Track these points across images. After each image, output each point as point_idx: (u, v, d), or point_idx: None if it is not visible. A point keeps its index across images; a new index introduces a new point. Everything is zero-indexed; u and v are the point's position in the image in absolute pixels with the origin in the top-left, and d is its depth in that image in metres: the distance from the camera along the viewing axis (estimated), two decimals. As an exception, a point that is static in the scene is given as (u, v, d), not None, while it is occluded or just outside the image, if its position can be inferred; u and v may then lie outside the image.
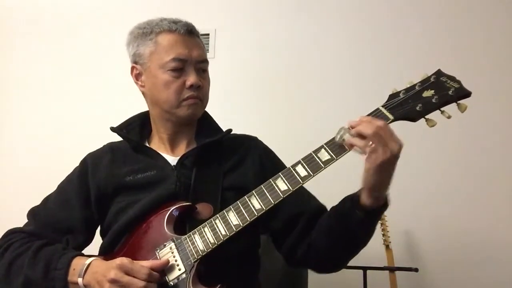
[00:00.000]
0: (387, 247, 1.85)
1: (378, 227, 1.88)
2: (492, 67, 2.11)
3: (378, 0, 2.30)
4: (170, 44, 1.15)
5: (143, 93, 1.25)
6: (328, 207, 1.16)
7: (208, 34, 2.40)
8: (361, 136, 0.91)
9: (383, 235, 1.87)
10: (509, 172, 2.03)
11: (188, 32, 1.18)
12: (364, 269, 1.77)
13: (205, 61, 1.21)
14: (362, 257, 1.83)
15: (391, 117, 0.95)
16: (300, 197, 1.17)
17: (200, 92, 1.18)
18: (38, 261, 1.05)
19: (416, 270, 1.76)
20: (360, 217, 0.99)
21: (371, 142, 0.89)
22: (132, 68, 1.23)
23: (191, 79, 1.14)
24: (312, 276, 1.67)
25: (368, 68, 2.22)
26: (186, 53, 1.15)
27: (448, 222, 2.03)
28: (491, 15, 2.16)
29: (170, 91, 1.15)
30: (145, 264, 0.97)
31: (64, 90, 2.53)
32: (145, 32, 1.18)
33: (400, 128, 2.07)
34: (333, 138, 0.97)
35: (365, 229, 1.04)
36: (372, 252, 1.92)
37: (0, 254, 1.11)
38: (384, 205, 1.01)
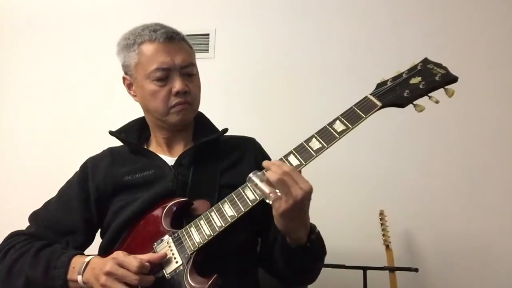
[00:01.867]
0: (387, 247, 1.84)
1: (378, 227, 1.89)
2: (493, 67, 2.12)
3: (379, 1, 2.31)
4: (152, 54, 1.15)
5: (137, 101, 1.27)
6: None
7: (208, 34, 2.40)
8: (269, 182, 0.91)
9: (383, 235, 1.87)
10: (510, 173, 2.03)
11: (168, 39, 1.16)
12: (364, 269, 1.77)
13: (191, 65, 1.20)
14: (362, 257, 1.85)
15: (379, 103, 0.96)
16: None
17: (188, 97, 1.19)
18: (39, 261, 1.06)
19: (416, 270, 1.75)
20: (289, 253, 1.02)
21: (277, 190, 0.89)
22: (123, 78, 1.26)
23: (176, 85, 1.15)
24: (312, 276, 1.67)
25: (369, 67, 2.21)
26: (168, 61, 1.15)
27: (448, 222, 2.02)
28: (492, 14, 2.17)
29: (157, 100, 1.17)
30: (143, 258, 0.97)
31: (64, 92, 2.54)
32: (129, 44, 1.19)
33: (400, 128, 2.09)
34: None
35: (300, 261, 1.04)
36: (372, 252, 1.93)
37: (1, 256, 1.13)
38: (310, 241, 1.00)
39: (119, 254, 0.97)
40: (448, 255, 1.99)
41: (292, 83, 2.31)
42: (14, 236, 1.17)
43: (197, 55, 2.39)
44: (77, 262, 1.04)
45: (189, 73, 1.19)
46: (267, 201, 0.92)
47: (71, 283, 1.02)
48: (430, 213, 2.04)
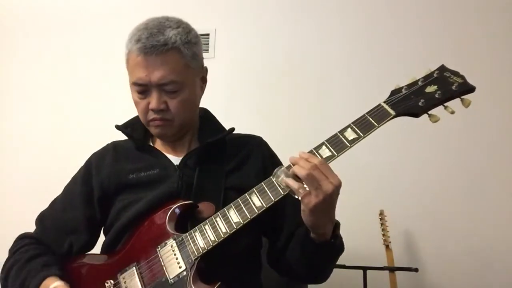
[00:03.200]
0: (387, 247, 1.85)
1: (378, 227, 1.89)
2: (494, 67, 2.11)
3: (379, 0, 2.30)
4: (132, 67, 1.11)
5: None
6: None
7: (208, 34, 2.41)
8: (297, 176, 0.90)
9: (383, 235, 1.87)
10: (510, 173, 2.03)
11: (145, 54, 1.07)
12: (364, 269, 1.78)
13: (171, 83, 1.10)
14: (362, 257, 1.85)
15: (392, 112, 0.94)
16: (291, 212, 1.16)
17: (167, 114, 1.13)
18: (20, 274, 1.10)
19: (416, 270, 1.76)
20: (311, 249, 1.01)
21: (305, 184, 0.88)
22: None
23: (151, 103, 1.11)
24: (312, 276, 1.67)
25: (369, 67, 2.21)
26: (144, 77, 1.08)
27: (448, 222, 2.03)
28: (493, 14, 2.16)
29: (139, 110, 1.16)
30: None
31: (65, 92, 2.53)
32: (126, 45, 1.15)
33: (401, 128, 2.08)
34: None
35: (321, 258, 1.05)
36: (372, 252, 1.94)
37: (7, 258, 1.17)
38: (335, 237, 1.01)
39: None
40: (448, 255, 2.00)
41: (292, 83, 2.31)
42: (21, 240, 1.20)
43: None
44: (45, 285, 1.05)
45: (170, 90, 1.11)
46: (296, 196, 0.91)
47: None
48: (430, 213, 2.05)
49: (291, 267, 1.12)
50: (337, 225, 1.02)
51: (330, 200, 0.89)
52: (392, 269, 1.79)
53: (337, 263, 1.71)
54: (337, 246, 1.02)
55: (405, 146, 2.12)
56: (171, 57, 1.09)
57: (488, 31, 2.15)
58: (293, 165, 0.93)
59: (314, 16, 2.34)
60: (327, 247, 1.00)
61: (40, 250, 1.15)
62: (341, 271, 1.73)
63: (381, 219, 1.91)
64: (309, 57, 2.31)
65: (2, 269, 1.16)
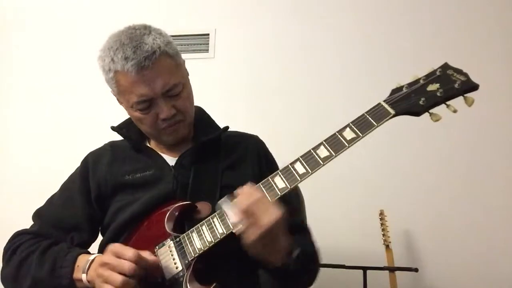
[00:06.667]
0: (387, 247, 1.85)
1: (378, 227, 1.89)
2: (493, 67, 2.11)
3: (378, 3, 2.31)
4: (129, 86, 1.07)
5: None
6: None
7: (208, 34, 2.42)
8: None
9: (383, 235, 1.87)
10: (510, 173, 2.03)
11: (142, 68, 1.04)
12: (364, 269, 1.77)
13: (174, 87, 1.09)
14: (362, 257, 1.85)
15: (392, 111, 0.91)
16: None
17: (178, 116, 1.13)
18: (45, 260, 1.06)
19: (416, 270, 1.76)
20: (266, 276, 1.01)
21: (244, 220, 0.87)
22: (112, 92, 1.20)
23: (162, 113, 1.10)
24: (312, 276, 1.67)
25: (368, 67, 2.22)
26: (147, 91, 1.06)
27: (448, 222, 2.03)
28: (496, 11, 2.17)
29: (145, 125, 1.14)
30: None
31: (64, 92, 2.54)
32: (105, 69, 1.10)
33: (401, 128, 2.08)
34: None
35: (280, 282, 1.03)
36: (372, 252, 1.94)
37: (8, 256, 1.12)
38: (285, 264, 0.97)
39: (115, 245, 0.96)
40: (448, 255, 2.00)
41: (292, 83, 2.32)
42: (19, 236, 1.16)
43: (197, 55, 2.26)
44: (81, 260, 1.03)
45: (174, 94, 1.11)
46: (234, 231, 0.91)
47: (77, 282, 1.01)
48: (430, 213, 2.05)
49: None
50: (292, 250, 0.98)
51: (269, 234, 0.87)
52: (392, 269, 1.79)
53: (337, 263, 1.73)
54: (291, 271, 0.98)
55: (405, 146, 2.13)
56: (164, 62, 1.07)
57: (487, 30, 2.15)
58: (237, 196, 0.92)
59: (313, 16, 2.35)
60: (280, 272, 0.98)
61: (53, 241, 1.12)
62: (341, 271, 1.75)
63: (381, 219, 1.91)
64: (308, 56, 2.32)
65: (6, 267, 1.12)
